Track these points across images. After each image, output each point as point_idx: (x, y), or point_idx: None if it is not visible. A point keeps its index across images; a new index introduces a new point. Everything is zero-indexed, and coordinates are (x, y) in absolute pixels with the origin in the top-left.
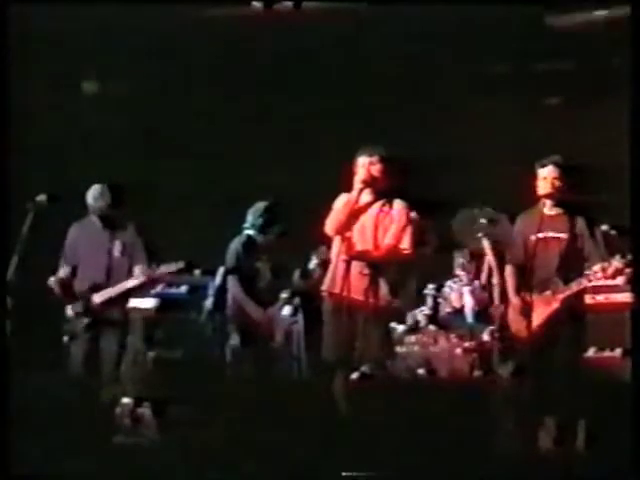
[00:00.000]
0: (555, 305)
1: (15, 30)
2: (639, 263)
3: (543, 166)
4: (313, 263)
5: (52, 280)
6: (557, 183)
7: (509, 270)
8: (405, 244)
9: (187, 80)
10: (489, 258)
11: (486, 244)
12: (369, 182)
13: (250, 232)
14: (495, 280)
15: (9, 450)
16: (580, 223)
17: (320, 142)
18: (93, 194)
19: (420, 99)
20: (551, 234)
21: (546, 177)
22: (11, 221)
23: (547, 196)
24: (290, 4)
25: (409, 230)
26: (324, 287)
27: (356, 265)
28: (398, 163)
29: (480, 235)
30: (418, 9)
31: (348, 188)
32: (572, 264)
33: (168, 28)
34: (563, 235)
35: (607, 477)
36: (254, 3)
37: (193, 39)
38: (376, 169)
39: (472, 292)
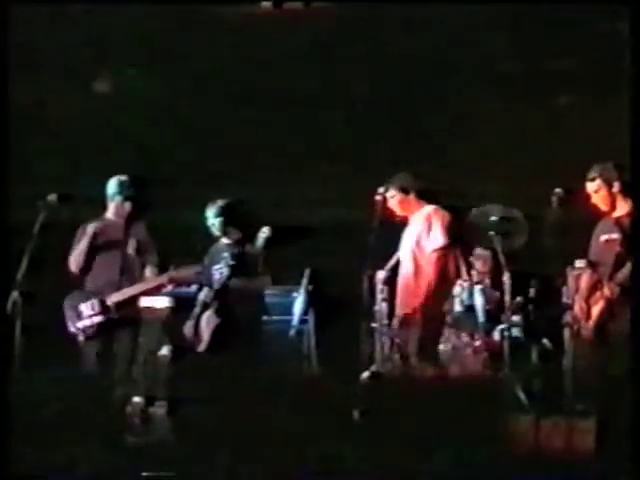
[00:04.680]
0: (601, 304)
1: (19, 29)
2: (639, 263)
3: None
4: None
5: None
6: (600, 195)
7: (586, 276)
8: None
9: (199, 79)
10: (500, 256)
11: (497, 242)
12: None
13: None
14: (506, 278)
15: (11, 448)
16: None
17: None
18: (113, 184)
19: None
20: (610, 236)
21: (590, 194)
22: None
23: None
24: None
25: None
26: None
27: None
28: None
29: (492, 233)
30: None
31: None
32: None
33: (179, 27)
34: (617, 236)
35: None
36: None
37: (203, 38)
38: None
39: (483, 291)
